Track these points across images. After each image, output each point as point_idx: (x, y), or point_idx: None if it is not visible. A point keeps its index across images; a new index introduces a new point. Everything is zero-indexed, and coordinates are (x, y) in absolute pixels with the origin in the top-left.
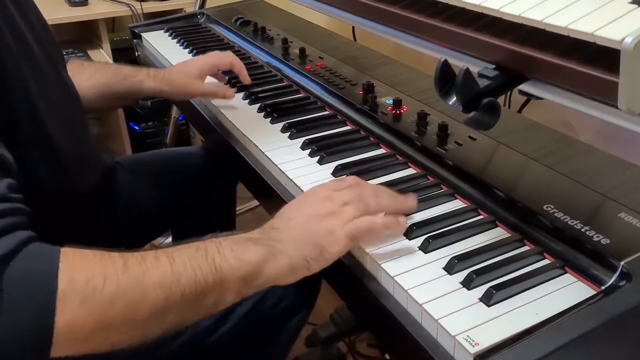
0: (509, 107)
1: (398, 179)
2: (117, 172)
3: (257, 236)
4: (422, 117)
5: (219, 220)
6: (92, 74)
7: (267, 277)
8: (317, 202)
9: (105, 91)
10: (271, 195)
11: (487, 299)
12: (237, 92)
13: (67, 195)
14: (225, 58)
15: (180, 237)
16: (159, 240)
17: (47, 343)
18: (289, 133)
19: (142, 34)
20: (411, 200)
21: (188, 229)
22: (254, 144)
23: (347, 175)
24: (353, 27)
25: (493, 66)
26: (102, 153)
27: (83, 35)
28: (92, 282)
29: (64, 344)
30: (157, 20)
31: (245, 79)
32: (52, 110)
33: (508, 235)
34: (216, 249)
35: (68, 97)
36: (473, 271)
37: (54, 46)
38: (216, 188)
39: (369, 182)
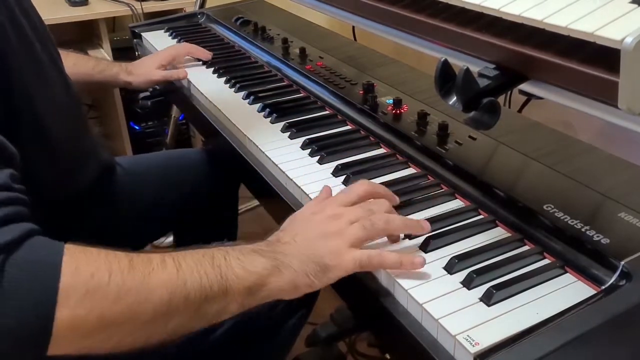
0: (509, 107)
1: (398, 178)
2: (116, 171)
3: (264, 248)
4: (422, 116)
5: (220, 221)
6: (75, 62)
7: (271, 290)
8: (324, 219)
9: (87, 81)
10: (272, 195)
11: (487, 299)
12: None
13: (66, 192)
14: (179, 48)
15: (182, 238)
16: (160, 240)
17: (46, 336)
18: (289, 133)
19: (142, 33)
20: (426, 225)
21: (189, 230)
22: (254, 143)
23: (353, 178)
24: (353, 27)
25: (493, 66)
26: (101, 150)
27: (83, 35)
28: (97, 277)
29: (63, 339)
30: (157, 20)
31: (205, 55)
32: (52, 106)
33: (508, 235)
34: (223, 258)
35: (68, 94)
36: (473, 271)
37: (53, 45)
38: (217, 189)
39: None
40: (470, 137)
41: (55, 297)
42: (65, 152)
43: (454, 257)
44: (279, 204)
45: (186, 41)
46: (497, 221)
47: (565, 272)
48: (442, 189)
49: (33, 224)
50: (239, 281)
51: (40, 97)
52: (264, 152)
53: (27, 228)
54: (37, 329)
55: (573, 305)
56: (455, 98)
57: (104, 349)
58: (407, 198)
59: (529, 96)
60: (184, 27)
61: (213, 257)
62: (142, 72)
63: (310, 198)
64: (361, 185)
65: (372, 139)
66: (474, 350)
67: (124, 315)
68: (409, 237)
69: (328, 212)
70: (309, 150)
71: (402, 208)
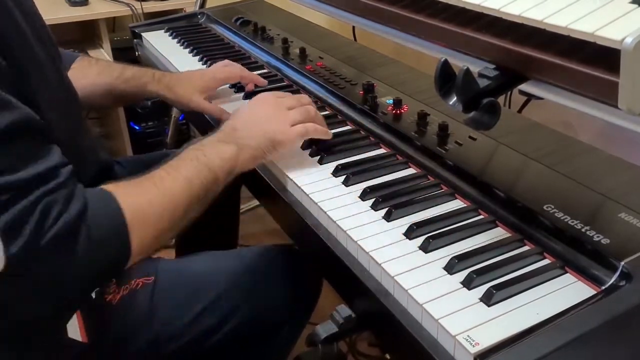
0: (509, 107)
1: (398, 178)
2: (115, 171)
3: (226, 138)
4: (422, 117)
5: (221, 222)
6: (100, 71)
7: (241, 167)
8: (268, 107)
9: (110, 90)
10: (271, 195)
11: (488, 299)
12: (236, 92)
13: None
14: (233, 74)
15: (184, 240)
16: None
17: (126, 259)
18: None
19: (142, 33)
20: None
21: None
22: None
23: (353, 178)
24: (353, 27)
25: (493, 66)
26: (100, 150)
27: (83, 35)
28: (143, 209)
29: (136, 256)
30: (158, 20)
31: (260, 82)
32: (52, 107)
33: (508, 235)
34: (203, 155)
35: (68, 95)
36: (473, 271)
37: (54, 46)
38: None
39: (369, 181)
40: (470, 137)
41: (127, 234)
42: (63, 152)
43: (454, 257)
44: (279, 204)
45: (186, 41)
46: (497, 221)
47: (565, 272)
48: (442, 189)
49: (80, 184)
50: (220, 168)
51: (41, 97)
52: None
53: (84, 191)
54: (119, 259)
55: (573, 306)
56: (455, 98)
57: (157, 248)
58: (407, 198)
59: (529, 96)
60: (184, 27)
61: (198, 159)
62: (182, 92)
63: (310, 198)
64: (303, 97)
65: (372, 139)
66: (474, 350)
67: (167, 224)
68: (408, 237)
69: (269, 102)
70: (309, 150)
71: (402, 208)
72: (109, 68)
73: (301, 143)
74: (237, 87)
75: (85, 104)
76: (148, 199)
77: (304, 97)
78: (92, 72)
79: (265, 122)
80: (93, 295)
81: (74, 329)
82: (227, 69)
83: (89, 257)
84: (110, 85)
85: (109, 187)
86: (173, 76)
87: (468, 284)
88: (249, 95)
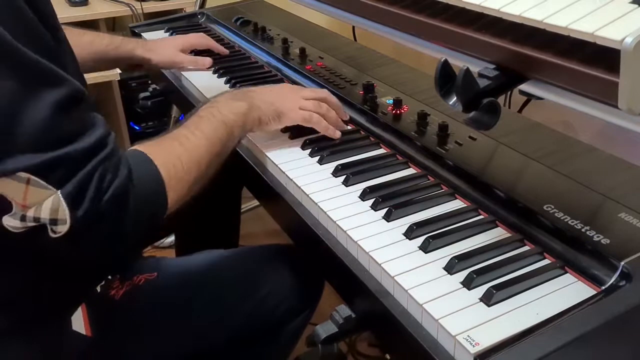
0: (509, 107)
1: (398, 178)
2: None
3: (239, 94)
4: (422, 117)
5: (222, 223)
6: (91, 40)
7: (250, 123)
8: (286, 88)
9: (102, 57)
10: (272, 196)
11: (488, 299)
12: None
13: None
14: (200, 39)
15: (183, 240)
16: (159, 241)
17: (165, 210)
18: (289, 133)
19: (142, 33)
20: (338, 134)
21: (190, 233)
22: (255, 144)
23: (353, 178)
24: (353, 27)
25: (493, 66)
26: None
27: None
28: (175, 166)
29: (172, 207)
30: (158, 20)
31: (223, 51)
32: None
33: (508, 235)
34: (218, 112)
35: (81, 76)
36: (473, 271)
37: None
38: (218, 190)
39: (369, 181)
40: (470, 137)
41: (164, 190)
42: None
43: (454, 257)
44: (279, 204)
45: None
46: (497, 221)
47: (566, 272)
48: (442, 189)
49: (122, 150)
50: (234, 123)
51: (71, 74)
52: (264, 153)
53: (127, 158)
54: (160, 208)
55: (573, 306)
56: (455, 98)
57: (187, 199)
58: (407, 198)
59: (529, 96)
60: (184, 27)
61: (214, 116)
62: (164, 52)
63: (310, 198)
64: (322, 92)
65: (372, 139)
66: (474, 350)
67: (196, 176)
68: (408, 237)
69: (290, 86)
70: (309, 150)
71: (402, 208)
72: (99, 37)
73: (303, 129)
74: (219, 72)
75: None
76: (177, 157)
77: (323, 91)
78: (85, 41)
79: (278, 96)
80: (98, 289)
81: (79, 322)
82: (195, 34)
83: (137, 212)
84: (103, 52)
85: (145, 148)
86: (152, 41)
87: (468, 284)
88: (211, 66)
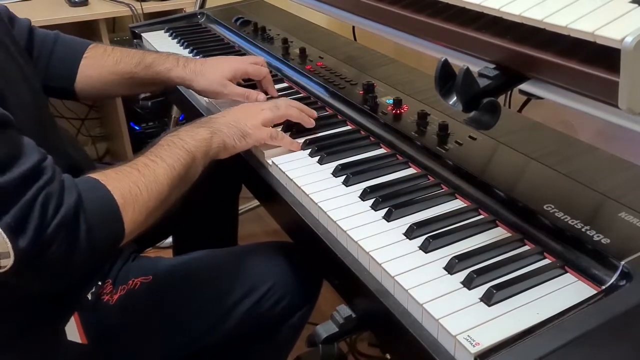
0: (509, 107)
1: (398, 178)
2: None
3: (200, 123)
4: (423, 116)
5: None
6: (118, 59)
7: (214, 150)
8: (245, 105)
9: (130, 79)
10: (272, 196)
11: (488, 299)
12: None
13: None
14: (260, 71)
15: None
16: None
17: (122, 237)
18: (289, 133)
19: (142, 34)
20: (312, 122)
21: (190, 234)
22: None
23: (353, 178)
24: (353, 27)
25: (493, 66)
26: (69, 147)
27: (83, 35)
28: (131, 191)
29: (130, 234)
30: (157, 20)
31: (274, 93)
32: (18, 103)
33: (508, 235)
34: (180, 140)
35: (36, 97)
36: (473, 271)
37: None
38: (218, 191)
39: (370, 181)
40: (470, 137)
41: (120, 217)
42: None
43: (454, 257)
44: (279, 204)
45: (186, 41)
46: (497, 221)
47: (566, 272)
48: (442, 189)
49: (67, 174)
50: (196, 149)
51: (9, 95)
52: (264, 153)
53: (74, 181)
54: (116, 235)
55: (573, 305)
56: (455, 98)
57: (148, 225)
58: (407, 198)
59: (529, 96)
60: (184, 27)
61: (175, 144)
62: (213, 77)
63: (310, 198)
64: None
65: (372, 139)
66: (474, 350)
67: (155, 203)
68: (408, 237)
69: (249, 104)
70: (309, 150)
71: (402, 208)
72: (128, 55)
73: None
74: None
75: (103, 95)
76: (134, 182)
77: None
78: (109, 62)
79: (239, 116)
80: (89, 297)
81: (73, 331)
82: (254, 64)
83: (89, 240)
84: (130, 73)
85: (96, 175)
86: (199, 61)
87: (468, 283)
88: None
